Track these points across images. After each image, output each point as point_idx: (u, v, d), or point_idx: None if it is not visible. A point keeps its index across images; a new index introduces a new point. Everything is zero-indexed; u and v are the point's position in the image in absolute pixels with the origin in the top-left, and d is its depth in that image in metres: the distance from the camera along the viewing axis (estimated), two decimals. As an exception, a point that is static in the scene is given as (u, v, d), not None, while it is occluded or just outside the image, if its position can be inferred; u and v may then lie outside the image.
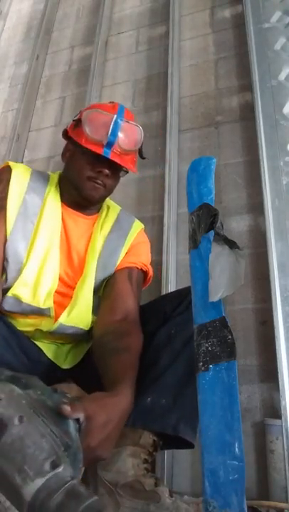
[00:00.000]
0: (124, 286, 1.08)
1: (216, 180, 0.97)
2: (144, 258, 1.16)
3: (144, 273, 1.17)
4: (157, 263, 1.66)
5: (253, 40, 1.85)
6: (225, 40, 2.09)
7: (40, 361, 1.08)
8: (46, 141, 2.32)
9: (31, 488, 0.46)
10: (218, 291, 0.80)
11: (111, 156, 1.02)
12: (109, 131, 1.02)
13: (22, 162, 2.31)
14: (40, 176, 1.14)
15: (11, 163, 1.11)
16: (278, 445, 1.24)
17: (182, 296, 1.01)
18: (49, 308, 1.05)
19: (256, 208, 1.63)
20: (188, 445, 0.94)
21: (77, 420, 0.63)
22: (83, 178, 1.06)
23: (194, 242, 0.89)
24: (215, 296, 0.80)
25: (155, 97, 2.13)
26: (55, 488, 0.47)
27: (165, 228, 1.72)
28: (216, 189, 0.96)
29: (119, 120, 1.04)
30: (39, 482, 0.47)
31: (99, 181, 1.06)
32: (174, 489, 1.21)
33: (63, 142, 1.15)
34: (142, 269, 1.15)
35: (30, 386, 0.64)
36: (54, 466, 0.49)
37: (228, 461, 0.68)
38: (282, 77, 1.73)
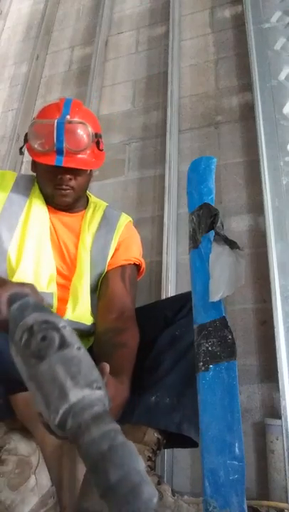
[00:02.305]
0: (119, 285, 1.11)
1: (216, 180, 0.97)
2: (135, 251, 1.18)
3: (137, 266, 1.19)
4: (157, 263, 1.66)
5: (253, 40, 1.85)
6: (225, 40, 2.09)
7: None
8: (46, 141, 2.32)
9: (79, 392, 0.51)
10: (218, 291, 0.80)
11: (64, 162, 1.03)
12: (54, 138, 1.02)
13: (22, 162, 2.31)
14: (26, 179, 1.17)
15: None
16: (278, 445, 1.24)
17: (183, 300, 1.02)
18: (52, 294, 1.06)
19: (256, 207, 1.63)
20: (192, 444, 0.95)
21: None
22: (51, 187, 1.09)
23: (194, 242, 0.89)
24: (215, 296, 0.80)
25: (155, 97, 2.13)
26: (96, 403, 0.52)
27: (165, 228, 1.72)
28: (216, 189, 0.96)
29: (61, 124, 1.02)
30: (87, 391, 0.52)
31: (65, 187, 1.07)
32: (174, 489, 1.21)
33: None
34: (134, 263, 1.17)
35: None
36: (99, 388, 0.54)
37: (228, 461, 0.69)
38: (282, 77, 1.73)
